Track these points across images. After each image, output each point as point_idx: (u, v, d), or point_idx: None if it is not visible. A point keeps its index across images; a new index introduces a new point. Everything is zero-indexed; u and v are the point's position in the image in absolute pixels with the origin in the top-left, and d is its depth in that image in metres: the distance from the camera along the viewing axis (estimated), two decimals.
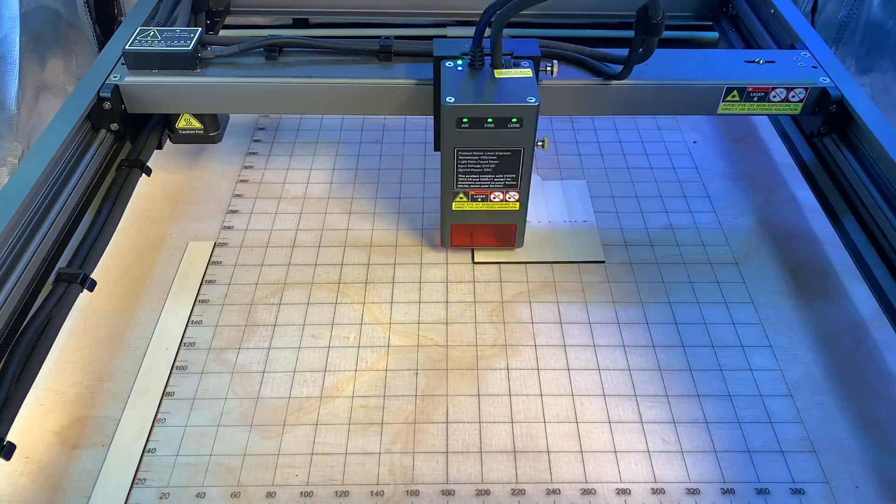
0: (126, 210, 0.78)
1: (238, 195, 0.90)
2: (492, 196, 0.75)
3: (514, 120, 0.69)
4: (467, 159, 0.72)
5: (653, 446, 0.64)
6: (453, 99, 0.68)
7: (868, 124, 0.76)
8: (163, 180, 0.91)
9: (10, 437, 0.57)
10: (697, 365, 0.70)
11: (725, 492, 0.61)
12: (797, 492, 0.61)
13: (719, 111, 0.81)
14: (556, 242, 0.83)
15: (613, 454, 0.63)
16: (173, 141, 0.89)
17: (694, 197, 0.90)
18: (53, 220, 0.70)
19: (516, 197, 0.75)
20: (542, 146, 0.73)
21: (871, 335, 0.73)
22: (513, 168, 0.73)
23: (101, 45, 1.12)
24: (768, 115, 0.96)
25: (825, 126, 0.81)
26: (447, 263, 0.81)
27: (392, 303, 0.76)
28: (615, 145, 0.99)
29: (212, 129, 0.87)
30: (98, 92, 0.78)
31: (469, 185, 0.74)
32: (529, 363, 0.70)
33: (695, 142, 1.00)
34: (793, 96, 0.80)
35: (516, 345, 0.72)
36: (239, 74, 0.80)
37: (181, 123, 0.87)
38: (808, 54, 0.84)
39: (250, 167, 0.94)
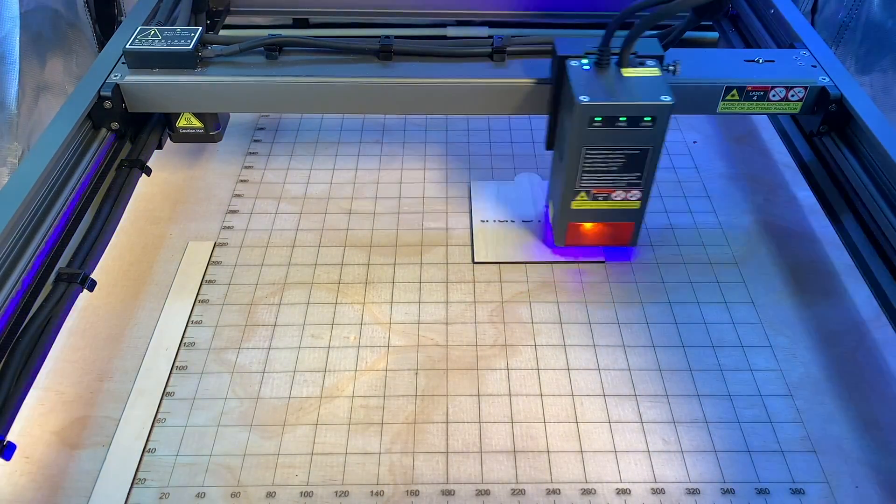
0: (126, 210, 0.78)
1: (238, 195, 0.90)
2: (614, 195, 0.74)
3: (647, 118, 0.68)
4: (594, 158, 0.71)
5: (653, 446, 0.64)
6: (588, 98, 0.68)
7: (868, 123, 0.76)
8: (163, 180, 0.91)
9: (10, 437, 0.56)
10: (697, 365, 0.70)
11: (725, 492, 0.61)
12: (797, 492, 0.61)
13: (719, 110, 0.81)
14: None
15: (613, 454, 0.63)
16: (174, 140, 0.89)
17: (694, 197, 0.90)
18: (53, 220, 0.70)
19: (638, 196, 0.74)
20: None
21: (871, 335, 0.73)
22: (638, 167, 0.72)
23: (101, 45, 1.12)
24: (768, 115, 0.96)
25: (824, 125, 0.81)
26: (447, 263, 0.81)
27: (392, 303, 0.76)
28: None
29: (212, 128, 0.88)
30: (99, 91, 0.78)
31: (592, 183, 0.73)
32: (529, 363, 0.70)
33: (695, 142, 1.00)
34: (792, 95, 0.80)
35: (516, 345, 0.72)
36: (239, 74, 0.80)
37: (182, 122, 0.87)
38: (808, 53, 0.84)
39: (250, 167, 0.94)
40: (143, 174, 0.83)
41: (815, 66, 0.82)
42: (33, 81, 1.00)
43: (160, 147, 0.88)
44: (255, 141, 0.99)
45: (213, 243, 0.83)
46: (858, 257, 0.73)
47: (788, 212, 0.88)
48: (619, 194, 0.74)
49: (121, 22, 1.13)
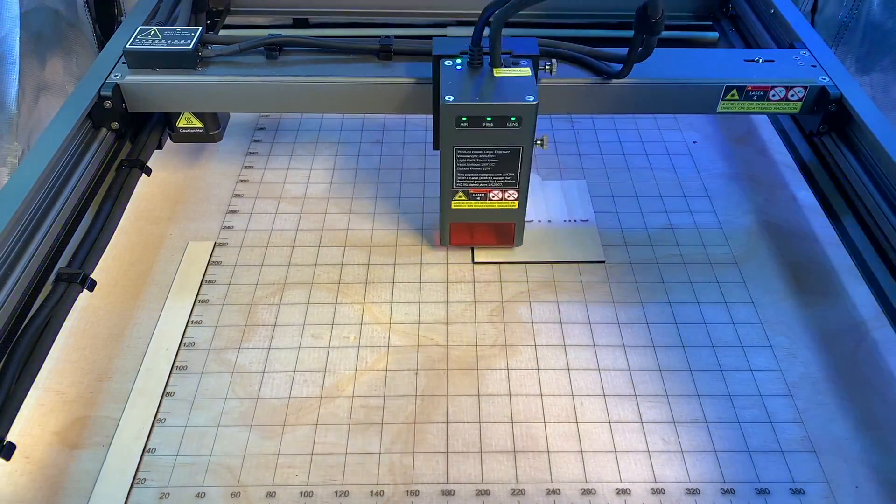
0: (126, 210, 0.78)
1: (238, 195, 0.90)
2: (491, 195, 0.75)
3: (513, 118, 0.69)
4: (466, 158, 0.72)
5: (653, 446, 0.64)
6: (452, 98, 0.69)
7: (867, 123, 0.76)
8: (163, 180, 0.91)
9: (10, 437, 0.56)
10: (697, 365, 0.70)
11: (725, 492, 0.61)
12: (797, 492, 0.61)
13: (719, 110, 0.81)
14: (556, 242, 0.83)
15: (613, 454, 0.63)
16: (174, 140, 0.89)
17: (694, 197, 0.90)
18: (53, 220, 0.70)
19: (515, 196, 0.76)
20: (542, 145, 0.73)
21: (871, 335, 0.73)
22: (512, 167, 0.73)
23: (101, 45, 1.12)
24: (768, 115, 0.96)
25: (824, 125, 0.82)
26: (447, 263, 0.81)
27: (392, 303, 0.76)
28: (615, 145, 0.99)
29: (212, 127, 0.88)
30: (99, 91, 0.78)
31: (468, 183, 0.75)
32: (529, 363, 0.70)
33: (695, 142, 1.00)
34: (792, 95, 0.80)
35: (516, 345, 0.72)
36: (239, 73, 0.80)
37: (182, 122, 0.87)
38: (808, 53, 0.84)
39: (250, 167, 0.94)
40: (143, 174, 0.83)
41: (814, 66, 0.82)
42: (33, 81, 1.00)
43: (160, 147, 0.88)
44: (255, 141, 0.99)
45: (213, 243, 0.83)
46: (858, 257, 0.73)
47: (788, 212, 0.88)
48: (496, 194, 0.75)
49: (121, 22, 1.13)
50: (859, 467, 0.62)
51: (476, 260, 0.81)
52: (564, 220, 0.86)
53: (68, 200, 0.72)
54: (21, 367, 0.60)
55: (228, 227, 0.85)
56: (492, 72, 0.72)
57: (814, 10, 1.15)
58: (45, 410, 0.66)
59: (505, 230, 0.80)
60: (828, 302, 0.77)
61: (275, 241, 0.84)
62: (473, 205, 0.76)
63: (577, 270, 0.80)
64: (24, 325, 0.63)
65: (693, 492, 0.61)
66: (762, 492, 0.61)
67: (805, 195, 0.89)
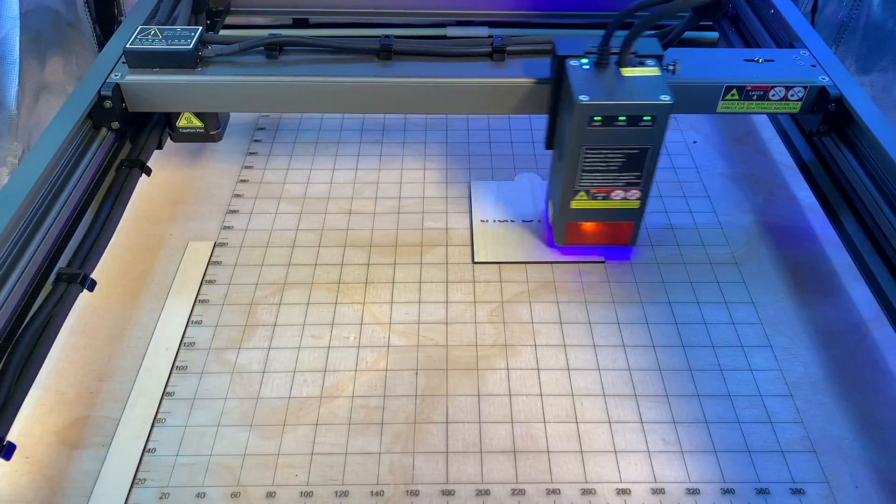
0: (126, 210, 0.78)
1: (238, 195, 0.90)
2: (613, 194, 0.74)
3: (646, 118, 0.68)
4: (594, 157, 0.71)
5: (653, 446, 0.64)
6: (587, 97, 0.68)
7: (867, 123, 0.76)
8: (163, 180, 0.91)
9: (10, 437, 0.56)
10: (697, 365, 0.70)
11: (725, 492, 0.61)
12: (797, 492, 0.61)
13: (719, 110, 0.81)
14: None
15: (613, 454, 0.63)
16: (174, 139, 0.89)
17: (694, 197, 0.90)
18: (53, 220, 0.70)
19: (637, 195, 0.74)
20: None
21: (871, 335, 0.73)
22: (638, 166, 0.72)
23: (101, 45, 1.12)
24: (768, 114, 0.96)
25: (824, 125, 0.81)
26: (447, 263, 0.81)
27: (392, 303, 0.76)
28: None
29: (212, 127, 0.88)
30: (99, 90, 0.78)
31: (592, 183, 0.73)
32: (529, 363, 0.70)
33: (695, 142, 1.00)
34: (792, 95, 0.80)
35: (516, 345, 0.72)
36: (239, 73, 0.80)
37: (182, 122, 0.87)
38: (808, 53, 0.84)
39: (250, 167, 0.94)
40: (143, 174, 0.83)
41: (814, 66, 0.82)
42: (33, 81, 1.00)
43: (160, 147, 0.88)
44: (256, 141, 0.99)
45: (213, 243, 0.83)
46: (858, 257, 0.73)
47: (788, 212, 0.88)
48: (618, 194, 0.74)
49: (121, 22, 1.13)
50: (859, 467, 0.62)
51: (476, 260, 0.81)
52: None
53: (68, 200, 0.72)
54: (21, 367, 0.60)
55: (228, 227, 0.85)
56: (619, 72, 0.71)
57: (814, 10, 1.15)
58: (45, 410, 0.66)
59: (622, 230, 0.78)
60: (828, 302, 0.77)
61: (275, 241, 0.84)
62: (594, 204, 0.75)
63: (577, 270, 0.80)
64: (24, 325, 0.62)
65: (693, 492, 0.61)
66: (762, 492, 0.61)
67: (805, 195, 0.89)
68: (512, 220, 0.86)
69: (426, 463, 0.62)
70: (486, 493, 0.60)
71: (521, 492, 0.61)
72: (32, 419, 0.65)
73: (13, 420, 0.57)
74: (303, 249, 0.83)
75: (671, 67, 0.75)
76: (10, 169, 0.96)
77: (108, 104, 0.79)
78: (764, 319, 0.75)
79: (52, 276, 0.68)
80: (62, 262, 0.69)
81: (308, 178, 0.93)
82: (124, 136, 0.83)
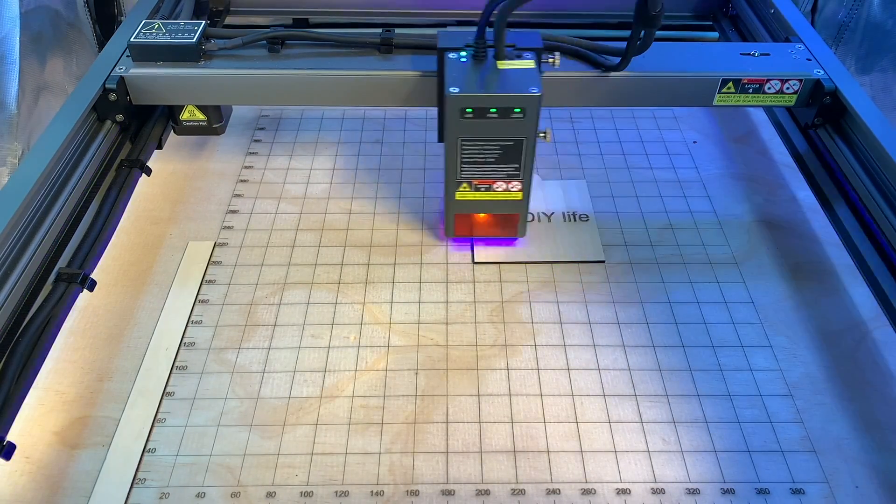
0: (126, 210, 0.78)
1: (238, 195, 0.90)
2: (495, 186, 0.76)
3: (517, 110, 0.69)
4: (471, 149, 0.73)
5: (653, 446, 0.64)
6: (458, 89, 0.69)
7: (862, 116, 0.77)
8: (163, 180, 0.91)
9: (10, 437, 0.56)
10: (697, 365, 0.70)
11: (725, 492, 0.61)
12: (797, 492, 0.61)
13: (715, 103, 0.81)
14: (556, 242, 0.83)
15: (613, 454, 0.63)
16: (177, 133, 0.90)
17: (694, 197, 0.90)
18: (53, 220, 0.70)
19: (519, 186, 0.76)
20: (545, 137, 0.74)
21: (871, 335, 0.73)
22: (515, 158, 0.73)
23: (101, 45, 1.12)
24: (763, 107, 0.96)
25: (819, 118, 0.82)
26: (447, 263, 0.81)
27: (392, 303, 0.76)
28: (615, 145, 0.99)
29: (215, 120, 0.88)
30: (104, 83, 0.79)
31: (473, 174, 0.75)
32: (529, 363, 0.70)
33: (695, 142, 1.00)
34: (787, 88, 0.81)
35: (516, 345, 0.72)
36: (242, 67, 0.81)
37: (185, 115, 0.88)
38: (803, 47, 0.85)
39: (250, 167, 0.94)
40: (143, 174, 0.83)
41: (809, 60, 0.83)
42: (33, 81, 1.00)
43: (160, 146, 0.88)
44: (256, 141, 0.99)
45: (213, 243, 0.83)
46: (854, 250, 0.73)
47: (788, 212, 0.88)
48: (500, 185, 0.76)
49: (121, 22, 1.13)
50: (859, 467, 0.62)
51: (476, 260, 0.81)
52: (564, 221, 0.86)
53: (68, 200, 0.72)
54: (21, 367, 0.60)
55: (228, 227, 0.85)
56: (496, 64, 0.72)
57: (814, 10, 1.15)
58: (45, 410, 0.66)
59: (508, 221, 0.80)
60: (828, 302, 0.77)
61: (275, 241, 0.84)
62: (478, 196, 0.77)
63: (577, 270, 0.80)
64: (24, 325, 0.62)
65: (693, 492, 0.61)
66: (762, 492, 0.61)
67: (805, 195, 0.89)
68: None
69: (426, 463, 0.62)
70: (486, 493, 0.60)
71: (521, 492, 0.61)
72: (32, 419, 0.65)
73: (13, 420, 0.57)
74: (303, 249, 0.83)
75: (551, 60, 0.76)
76: (10, 169, 0.96)
77: (112, 97, 0.79)
78: (764, 319, 0.75)
79: (52, 276, 0.68)
80: (62, 262, 0.69)
81: (308, 178, 0.93)
82: (128, 128, 0.83)
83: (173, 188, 0.91)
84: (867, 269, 0.71)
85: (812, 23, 1.15)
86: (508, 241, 0.83)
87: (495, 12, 0.69)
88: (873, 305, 0.74)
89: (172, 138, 0.95)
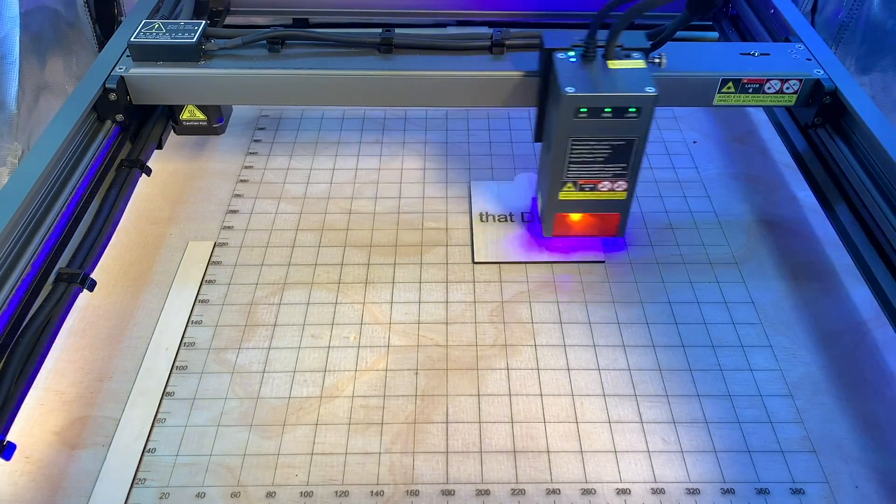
0: (126, 210, 0.78)
1: (238, 195, 0.90)
2: (600, 185, 0.75)
3: (631, 109, 0.69)
4: (581, 149, 0.72)
5: (653, 446, 0.64)
6: (573, 89, 0.69)
7: (861, 116, 0.76)
8: (163, 180, 0.91)
9: (10, 437, 0.57)
10: (697, 365, 0.70)
11: (725, 492, 0.61)
12: (797, 492, 0.61)
13: (715, 103, 0.81)
14: (556, 242, 0.83)
15: (613, 454, 0.63)
16: (177, 132, 0.90)
17: (694, 197, 0.90)
18: (53, 220, 0.70)
19: (624, 186, 0.75)
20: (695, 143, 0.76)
21: (871, 335, 0.73)
22: (624, 157, 0.73)
23: (101, 45, 1.12)
24: (763, 107, 0.96)
25: (819, 117, 0.82)
26: (447, 263, 0.81)
27: (392, 303, 0.76)
28: None
29: (215, 120, 0.89)
30: (104, 83, 0.79)
31: (579, 174, 0.74)
32: (529, 363, 0.70)
33: (695, 142, 1.00)
34: (787, 88, 0.81)
35: (516, 345, 0.72)
36: (242, 66, 0.81)
37: (185, 115, 0.88)
38: (803, 47, 0.85)
39: (250, 167, 0.94)
40: (143, 174, 0.83)
41: (809, 60, 0.83)
42: (33, 81, 1.00)
43: (160, 146, 0.88)
44: (256, 141, 0.99)
45: (213, 243, 0.83)
46: (854, 250, 0.73)
47: (788, 212, 0.88)
48: (605, 185, 0.75)
49: (121, 22, 1.13)
50: (859, 467, 0.62)
51: (476, 260, 0.81)
52: None
53: (68, 200, 0.72)
54: (21, 367, 0.60)
55: (228, 227, 0.85)
56: (606, 64, 0.72)
57: (814, 10, 1.15)
58: (45, 410, 0.66)
59: (609, 221, 0.79)
60: (828, 302, 0.77)
61: (275, 241, 0.84)
62: (582, 195, 0.76)
63: (577, 270, 0.80)
64: (24, 325, 0.63)
65: (693, 492, 0.61)
66: (762, 492, 0.61)
67: (805, 195, 0.89)
68: (512, 220, 0.86)
69: (426, 463, 0.62)
70: (486, 493, 0.60)
71: (521, 492, 0.61)
72: (32, 419, 0.65)
73: (13, 420, 0.58)
74: (303, 249, 0.83)
75: (657, 60, 0.75)
76: (10, 169, 0.96)
77: (112, 97, 0.79)
78: (764, 319, 0.75)
79: (52, 276, 0.68)
80: (62, 262, 0.69)
81: (308, 178, 0.93)
82: (128, 128, 0.84)
83: (173, 188, 0.91)
84: (867, 269, 0.71)
85: (812, 23, 1.15)
86: (615, 242, 0.83)
87: (617, 13, 0.70)
88: (873, 305, 0.74)
89: (172, 138, 0.95)
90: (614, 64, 0.72)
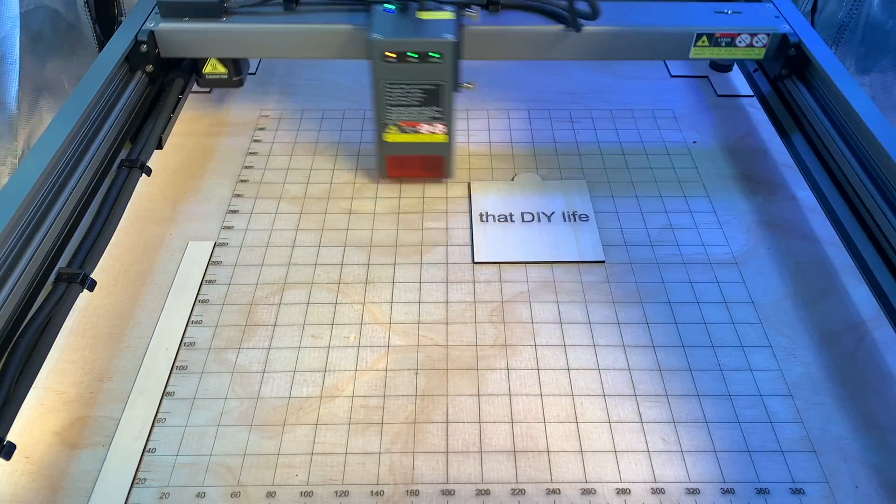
0: (126, 210, 0.78)
1: (238, 195, 0.90)
2: (420, 128, 0.84)
3: (434, 55, 0.78)
4: (394, 92, 0.81)
5: (653, 446, 0.64)
6: (379, 35, 0.78)
7: (823, 66, 0.86)
8: (163, 180, 0.91)
9: (10, 437, 0.57)
10: (697, 365, 0.70)
11: (725, 492, 0.61)
12: (797, 492, 0.61)
13: (691, 56, 0.91)
14: (556, 242, 0.83)
15: (613, 454, 0.63)
16: (199, 85, 0.99)
17: (694, 197, 0.90)
18: (53, 220, 0.70)
19: (443, 129, 0.84)
20: (470, 87, 0.83)
21: (871, 335, 0.73)
22: (436, 101, 0.82)
23: (102, 44, 1.12)
24: (735, 60, 1.07)
25: (786, 69, 0.92)
26: (447, 263, 0.81)
27: (392, 303, 0.76)
28: (615, 145, 0.99)
29: (234, 73, 0.97)
30: (136, 36, 0.88)
31: (398, 117, 0.83)
32: (529, 363, 0.70)
33: (695, 142, 1.00)
34: (756, 42, 0.90)
35: (516, 345, 0.72)
36: (261, 22, 0.88)
37: (207, 69, 0.96)
38: (772, 5, 0.95)
39: (250, 167, 0.94)
40: (143, 174, 0.83)
41: (777, 17, 0.92)
42: (33, 81, 1.00)
43: (160, 146, 0.88)
44: (256, 141, 0.99)
45: (213, 243, 0.83)
46: (854, 249, 0.74)
47: (788, 212, 0.88)
48: (424, 128, 0.83)
49: (121, 22, 1.13)
50: (859, 467, 0.62)
51: (476, 260, 0.81)
52: (564, 221, 0.86)
53: (68, 200, 0.72)
54: (21, 367, 0.60)
55: (228, 227, 0.85)
56: (417, 15, 0.81)
57: (814, 10, 1.15)
58: (45, 410, 0.66)
59: (435, 162, 0.88)
60: (828, 302, 0.77)
61: (275, 241, 0.84)
62: (405, 138, 0.85)
63: (577, 270, 0.80)
64: (24, 325, 0.62)
65: (693, 492, 0.61)
66: (762, 492, 0.61)
67: (805, 195, 0.89)
68: (512, 220, 0.86)
69: (426, 463, 0.62)
70: (486, 492, 0.60)
71: (521, 491, 0.61)
72: (32, 419, 0.65)
73: (13, 420, 0.58)
74: (303, 249, 0.83)
75: (471, 13, 0.84)
76: (11, 169, 0.96)
77: (143, 48, 0.88)
78: (764, 319, 0.75)
79: (52, 276, 0.68)
80: (62, 262, 0.69)
81: (308, 178, 0.93)
82: (156, 79, 0.92)
83: (173, 188, 0.91)
84: (867, 269, 0.71)
85: (812, 23, 1.15)
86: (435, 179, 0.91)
87: None
88: (873, 305, 0.74)
89: (172, 137, 0.95)
90: (425, 15, 0.81)
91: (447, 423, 0.65)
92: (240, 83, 0.98)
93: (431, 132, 0.84)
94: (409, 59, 0.78)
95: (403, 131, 0.84)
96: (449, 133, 0.84)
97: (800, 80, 0.91)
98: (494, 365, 0.70)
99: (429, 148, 0.86)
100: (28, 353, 0.61)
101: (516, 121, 1.03)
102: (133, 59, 0.89)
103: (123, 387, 0.68)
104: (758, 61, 0.97)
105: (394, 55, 0.78)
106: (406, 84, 0.80)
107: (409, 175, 0.90)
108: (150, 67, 0.90)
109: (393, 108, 0.82)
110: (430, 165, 0.88)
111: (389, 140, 0.85)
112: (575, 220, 0.86)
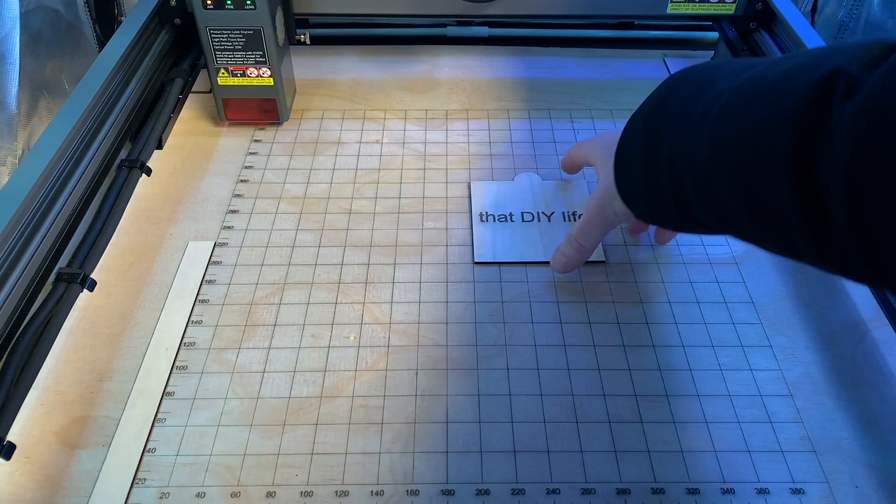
0: (126, 210, 0.78)
1: (238, 195, 0.90)
2: (248, 72, 0.91)
3: (248, 2, 0.85)
4: (219, 37, 0.87)
5: (653, 446, 0.64)
6: None
7: (787, 18, 0.97)
8: (163, 180, 0.91)
9: (10, 437, 0.57)
10: (697, 365, 0.70)
11: (725, 492, 0.61)
12: (797, 492, 0.61)
13: (668, 11, 1.03)
14: (556, 242, 0.83)
15: (613, 454, 0.63)
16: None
17: None
18: (53, 220, 0.70)
19: (269, 73, 0.91)
20: (301, 39, 0.96)
21: (871, 335, 0.73)
22: (259, 46, 0.89)
23: (102, 44, 1.12)
24: (709, 15, 1.12)
25: (754, 22, 1.04)
26: (447, 263, 0.81)
27: (392, 303, 0.76)
28: None
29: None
30: None
31: (226, 61, 0.90)
32: (529, 363, 0.70)
33: None
34: None
35: (516, 345, 0.72)
36: None
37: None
38: None
39: (250, 167, 0.94)
40: (143, 174, 0.83)
41: None
42: (33, 81, 1.00)
43: (160, 146, 0.88)
44: (256, 141, 0.99)
45: (213, 243, 0.83)
46: None
47: None
48: (252, 71, 0.91)
49: (121, 22, 1.13)
50: (859, 467, 0.62)
51: (476, 260, 0.81)
52: (564, 221, 0.86)
53: (68, 200, 0.73)
54: (21, 367, 0.60)
55: (228, 227, 0.85)
56: None
57: (814, 10, 1.15)
58: (45, 410, 0.66)
59: (269, 106, 0.95)
60: (828, 302, 0.77)
61: (275, 241, 0.84)
62: (236, 81, 0.92)
63: (577, 270, 0.80)
64: (24, 325, 0.63)
65: (693, 492, 0.61)
66: (762, 492, 0.61)
67: None
68: (512, 220, 0.86)
69: (426, 463, 0.62)
70: (486, 492, 0.60)
71: (521, 492, 0.61)
72: (32, 419, 0.65)
73: (13, 420, 0.58)
74: (303, 249, 0.83)
75: None
76: (11, 169, 0.96)
77: (173, 2, 0.98)
78: (764, 319, 0.75)
79: (52, 276, 0.68)
80: (62, 262, 0.69)
81: (308, 178, 0.93)
82: (183, 34, 1.02)
83: (173, 188, 0.91)
84: None
85: (812, 23, 1.16)
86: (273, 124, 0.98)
87: None
88: (873, 305, 0.74)
89: (172, 137, 0.95)
90: None
91: (447, 423, 0.65)
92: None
93: (259, 76, 0.91)
94: (227, 6, 0.85)
95: (233, 75, 0.91)
96: (274, 77, 0.91)
97: (767, 33, 1.02)
98: (494, 365, 0.70)
99: (259, 91, 0.93)
100: (28, 353, 0.61)
101: (516, 121, 1.03)
102: (163, 12, 0.99)
103: (123, 387, 0.68)
104: (733, 21, 1.07)
105: (211, 3, 0.85)
106: (227, 30, 0.87)
107: (247, 118, 0.96)
108: (178, 20, 1.01)
109: (219, 53, 0.89)
110: (265, 108, 0.95)
111: (222, 83, 0.92)
112: (575, 220, 0.86)
